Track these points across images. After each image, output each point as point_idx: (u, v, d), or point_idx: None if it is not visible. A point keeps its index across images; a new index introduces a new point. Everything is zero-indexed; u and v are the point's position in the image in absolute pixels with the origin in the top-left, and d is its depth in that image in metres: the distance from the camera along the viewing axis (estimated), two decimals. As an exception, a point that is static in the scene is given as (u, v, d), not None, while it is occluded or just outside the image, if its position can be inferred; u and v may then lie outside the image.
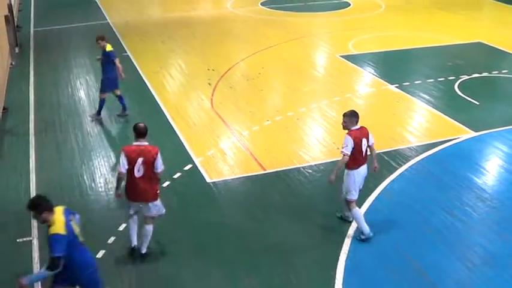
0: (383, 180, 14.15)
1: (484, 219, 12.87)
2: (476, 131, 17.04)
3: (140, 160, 10.93)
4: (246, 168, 14.90)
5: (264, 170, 14.79)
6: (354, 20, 30.21)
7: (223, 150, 15.81)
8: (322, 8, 32.80)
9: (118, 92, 17.95)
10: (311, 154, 15.51)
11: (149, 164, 10.99)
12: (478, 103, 18.90)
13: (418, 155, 15.55)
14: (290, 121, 17.62)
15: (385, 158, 15.29)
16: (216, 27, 29.07)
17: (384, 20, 30.18)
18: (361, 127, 11.72)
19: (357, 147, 11.50)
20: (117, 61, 17.47)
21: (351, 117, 11.70)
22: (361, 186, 12.09)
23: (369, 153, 11.94)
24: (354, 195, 11.89)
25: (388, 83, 20.74)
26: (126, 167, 10.86)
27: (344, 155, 11.46)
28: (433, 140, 16.44)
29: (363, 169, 11.87)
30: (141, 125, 11.47)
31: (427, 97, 19.52)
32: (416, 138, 16.61)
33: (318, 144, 16.25)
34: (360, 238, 12.00)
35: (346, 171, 11.84)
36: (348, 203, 12.00)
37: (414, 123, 17.73)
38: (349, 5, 33.81)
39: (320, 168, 14.81)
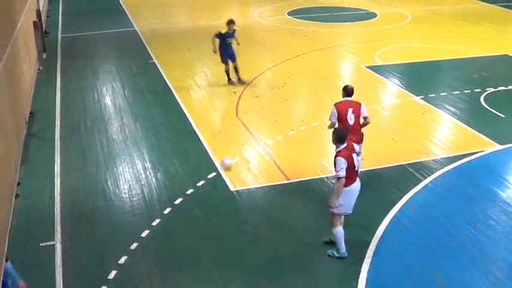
0: (407, 192, 14.10)
1: (508, 234, 12.77)
2: (501, 144, 16.93)
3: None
4: (269, 178, 14.91)
5: (288, 179, 14.80)
6: (380, 30, 30.18)
7: (248, 159, 15.85)
8: (348, 18, 32.81)
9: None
10: (335, 164, 15.50)
11: None
12: (504, 116, 18.78)
13: (442, 167, 15.47)
14: (315, 131, 17.61)
15: (410, 169, 15.25)
16: (242, 36, 28.93)
17: (410, 31, 30.11)
18: (349, 144, 11.45)
19: (350, 165, 11.22)
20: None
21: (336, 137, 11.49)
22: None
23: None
24: (342, 210, 11.59)
25: (414, 94, 20.68)
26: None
27: (339, 178, 11.16)
28: (458, 153, 16.34)
29: (358, 183, 11.60)
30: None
31: (453, 109, 19.43)
32: (441, 151, 16.53)
33: (342, 154, 16.22)
34: (332, 254, 11.82)
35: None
36: (333, 217, 11.66)
37: (439, 135, 17.66)
38: (376, 15, 33.79)
39: (344, 179, 14.77)
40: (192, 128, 17.83)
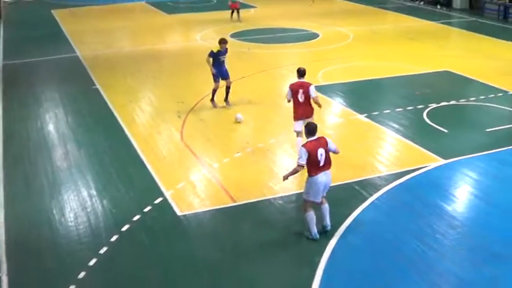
0: (353, 210, 14.15)
1: (455, 247, 12.94)
2: (445, 159, 17.15)
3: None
4: (216, 201, 14.84)
5: (235, 202, 14.75)
6: (322, 51, 30.42)
7: (194, 183, 15.76)
8: (291, 39, 33.03)
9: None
10: (282, 185, 15.48)
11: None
12: (446, 131, 19.05)
13: (388, 184, 15.60)
14: (260, 152, 17.62)
15: (356, 187, 15.34)
16: (186, 59, 29.13)
17: (352, 50, 30.42)
18: (318, 138, 12.75)
19: (312, 158, 12.38)
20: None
21: (308, 131, 12.90)
22: (324, 193, 12.95)
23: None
24: (310, 197, 12.76)
25: (357, 112, 20.86)
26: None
27: (298, 165, 12.55)
28: (403, 169, 16.50)
29: (323, 176, 12.65)
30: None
31: (396, 126, 19.65)
32: (386, 167, 16.68)
33: (288, 175, 16.27)
34: (305, 235, 12.96)
35: (307, 177, 12.72)
36: (304, 203, 12.94)
37: (384, 152, 17.83)
38: (318, 36, 34.07)
39: (291, 199, 14.81)
40: (137, 154, 17.67)
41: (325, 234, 13.13)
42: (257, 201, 14.75)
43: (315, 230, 12.90)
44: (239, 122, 20.04)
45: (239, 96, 22.68)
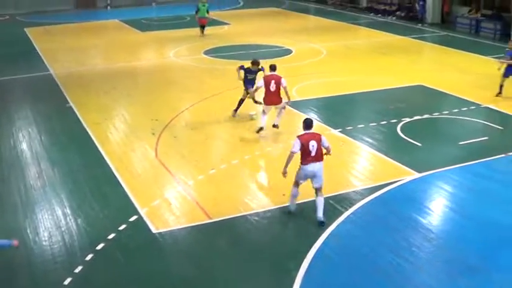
0: (330, 225, 14.17)
1: (431, 259, 13.01)
2: (419, 172, 17.24)
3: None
4: (192, 218, 14.78)
5: (210, 218, 14.69)
6: (296, 66, 30.46)
7: (169, 200, 15.69)
8: (264, 56, 32.84)
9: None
10: (257, 201, 15.50)
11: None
12: (420, 144, 19.16)
13: (363, 198, 15.65)
14: (235, 169, 17.61)
15: (331, 202, 15.34)
16: (160, 76, 29.08)
17: (326, 65, 30.55)
18: (313, 133, 14.34)
19: (305, 149, 14.00)
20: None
21: (304, 125, 14.50)
22: (316, 185, 14.38)
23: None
24: (297, 177, 14.52)
25: (332, 127, 20.90)
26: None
27: (291, 152, 14.19)
28: (378, 183, 16.56)
29: (312, 166, 14.12)
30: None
31: (371, 140, 19.73)
32: (361, 182, 16.73)
33: (263, 191, 16.28)
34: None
35: (299, 164, 14.35)
36: (294, 180, 14.55)
37: (358, 167, 17.89)
38: (291, 52, 34.15)
39: (266, 215, 14.80)
40: (112, 172, 17.57)
41: (322, 226, 14.12)
42: (233, 218, 14.71)
43: (293, 203, 14.77)
44: (253, 119, 21.77)
45: (213, 113, 22.65)
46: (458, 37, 39.24)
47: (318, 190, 14.38)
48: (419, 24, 44.11)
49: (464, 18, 42.54)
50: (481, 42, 38.30)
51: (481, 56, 31.55)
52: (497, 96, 24.47)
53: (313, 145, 14.05)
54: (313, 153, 14.10)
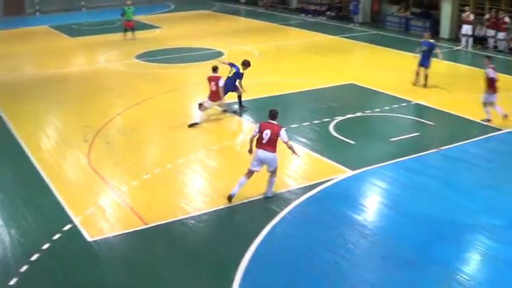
0: (265, 226, 14.18)
1: (368, 255, 13.19)
2: (353, 170, 17.41)
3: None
4: (127, 224, 14.60)
5: (146, 224, 14.55)
6: (228, 68, 30.36)
7: (103, 207, 15.48)
8: (196, 59, 32.96)
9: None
10: (192, 205, 15.43)
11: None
12: (353, 142, 19.34)
13: (298, 198, 15.73)
14: (169, 173, 17.49)
15: (266, 203, 15.37)
16: (91, 82, 28.70)
17: (258, 67, 30.35)
18: (273, 124, 15.62)
19: (260, 134, 15.41)
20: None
21: (269, 114, 15.91)
22: (269, 169, 15.67)
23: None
24: (252, 166, 15.60)
25: (265, 128, 20.92)
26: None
27: (251, 135, 15.75)
28: (312, 182, 16.67)
29: (261, 152, 15.39)
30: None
31: (304, 140, 19.84)
32: (295, 181, 16.80)
33: (199, 194, 16.21)
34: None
35: None
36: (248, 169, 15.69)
37: (292, 167, 17.93)
38: (223, 54, 34.10)
39: (202, 219, 14.73)
40: (44, 181, 17.23)
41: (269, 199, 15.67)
42: (169, 223, 14.60)
43: (235, 191, 15.47)
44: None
45: (146, 118, 22.49)
46: (388, 35, 39.79)
47: (271, 172, 15.77)
48: (352, 24, 44.60)
49: (394, 17, 43.19)
50: (411, 40, 38.80)
51: (410, 53, 31.91)
52: (414, 85, 26.10)
53: (266, 133, 15.33)
54: (264, 141, 15.36)
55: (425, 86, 26.13)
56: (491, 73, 21.03)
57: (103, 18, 48.60)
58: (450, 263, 12.78)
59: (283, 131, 15.48)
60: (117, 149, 19.67)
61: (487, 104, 21.26)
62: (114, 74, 30.33)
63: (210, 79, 22.05)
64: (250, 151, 15.72)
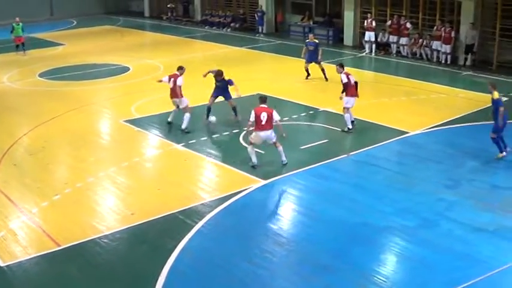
0: (181, 240, 14.10)
1: (284, 263, 13.31)
2: (265, 179, 17.53)
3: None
4: (40, 247, 14.26)
5: (59, 245, 14.24)
6: (134, 83, 30.23)
7: (14, 231, 15.06)
8: (101, 75, 32.55)
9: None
10: (105, 223, 15.21)
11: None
12: (263, 152, 19.41)
13: (212, 210, 15.70)
14: (80, 192, 17.20)
15: (180, 217, 15.34)
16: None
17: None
18: (266, 107, 18.23)
19: (257, 119, 17.91)
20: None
21: (260, 100, 18.67)
22: (271, 142, 18.43)
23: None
24: (253, 141, 18.43)
25: (174, 142, 20.87)
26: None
27: (249, 121, 18.35)
28: (225, 193, 16.67)
29: (263, 133, 18.10)
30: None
31: (214, 152, 19.91)
32: (208, 194, 16.78)
33: (111, 212, 15.98)
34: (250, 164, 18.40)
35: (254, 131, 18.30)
36: (249, 141, 18.62)
37: (205, 180, 17.95)
38: (129, 69, 33.83)
39: (116, 237, 14.54)
40: (-51, 207, 16.74)
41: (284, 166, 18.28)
42: (82, 242, 14.33)
43: (254, 159, 18.35)
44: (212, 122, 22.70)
45: (53, 137, 22.08)
46: (293, 45, 40.14)
47: (274, 143, 18.45)
48: (257, 35, 44.94)
49: (298, 26, 43.77)
50: (315, 48, 39.48)
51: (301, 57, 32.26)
52: (306, 78, 29.68)
53: (264, 115, 17.97)
54: (263, 122, 17.93)
55: (326, 79, 29.06)
56: (344, 79, 21.52)
57: (1, 37, 47.31)
58: (366, 265, 13.02)
59: (275, 112, 18.30)
60: (25, 170, 19.21)
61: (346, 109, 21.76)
62: (18, 94, 29.61)
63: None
64: (251, 140, 18.52)
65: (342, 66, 22.08)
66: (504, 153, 18.64)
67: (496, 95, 18.54)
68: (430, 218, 15.16)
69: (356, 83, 21.83)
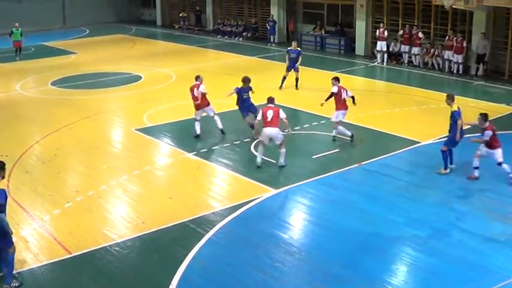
0: (192, 249, 14.12)
1: (295, 272, 13.28)
2: (276, 189, 17.52)
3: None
4: (51, 254, 14.31)
5: (70, 253, 14.29)
6: (146, 92, 30.32)
7: (25, 238, 15.12)
8: (113, 83, 32.68)
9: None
10: (116, 231, 15.24)
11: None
12: (274, 161, 19.43)
13: (223, 219, 15.71)
14: (92, 200, 17.24)
15: (191, 225, 15.35)
16: (7, 111, 28.06)
17: (176, 90, 30.34)
18: (272, 106, 19.29)
19: (264, 116, 19.01)
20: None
21: (268, 100, 19.72)
22: (276, 142, 19.13)
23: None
24: (260, 138, 19.57)
25: (186, 151, 20.92)
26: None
27: (256, 120, 19.75)
28: (236, 202, 16.68)
29: (268, 129, 18.92)
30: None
31: (226, 161, 19.90)
32: (219, 203, 16.79)
33: (122, 220, 16.02)
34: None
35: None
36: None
37: (216, 188, 17.96)
38: (141, 78, 33.93)
39: (127, 245, 14.56)
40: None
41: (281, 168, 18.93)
42: (93, 250, 14.38)
43: (259, 159, 19.27)
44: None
45: (64, 145, 22.15)
46: (305, 54, 40.08)
47: (279, 145, 19.15)
48: (269, 44, 45.01)
49: (310, 36, 43.78)
50: (327, 57, 39.59)
51: (326, 71, 32.42)
52: (280, 88, 30.07)
53: (270, 113, 18.96)
54: (269, 119, 18.89)
55: (296, 87, 30.22)
56: (335, 89, 21.50)
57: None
58: (377, 275, 12.99)
59: (281, 110, 19.28)
60: (37, 177, 19.28)
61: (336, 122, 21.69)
62: (30, 102, 29.77)
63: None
64: (257, 134, 20.23)
65: (337, 80, 21.92)
66: (448, 170, 18.55)
67: (454, 107, 18.41)
68: (442, 228, 15.12)
69: (353, 97, 21.73)
